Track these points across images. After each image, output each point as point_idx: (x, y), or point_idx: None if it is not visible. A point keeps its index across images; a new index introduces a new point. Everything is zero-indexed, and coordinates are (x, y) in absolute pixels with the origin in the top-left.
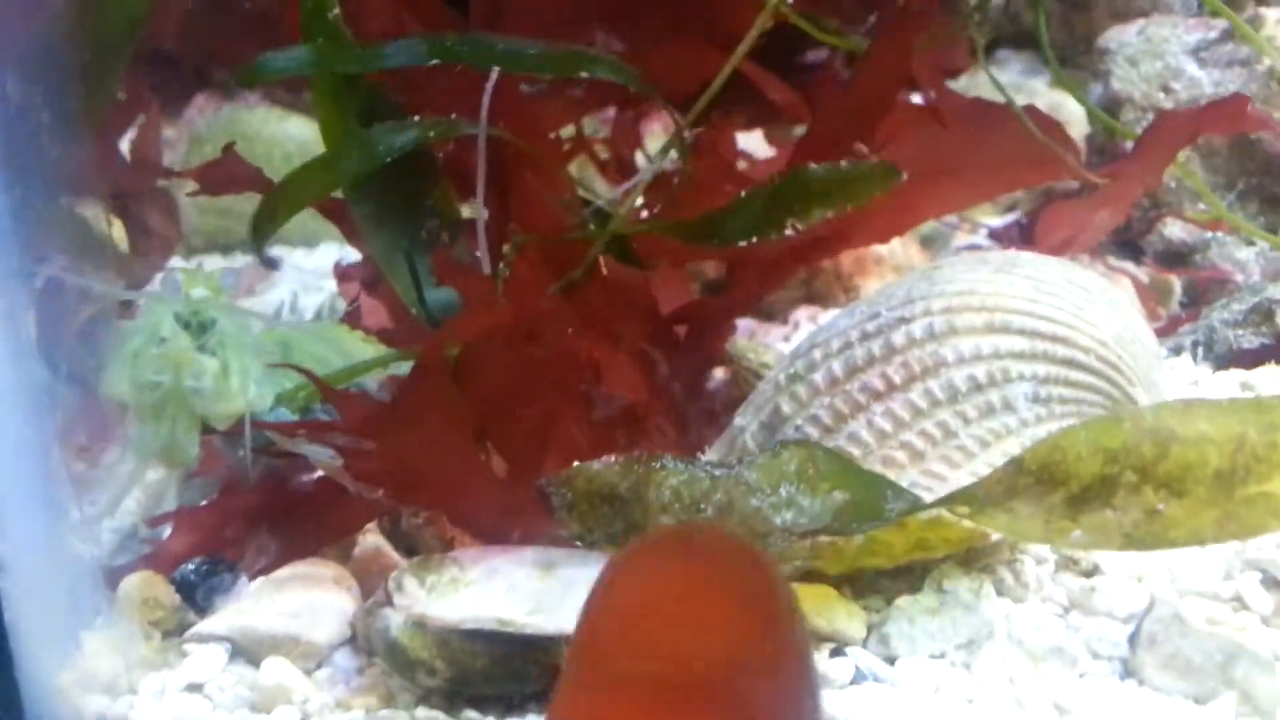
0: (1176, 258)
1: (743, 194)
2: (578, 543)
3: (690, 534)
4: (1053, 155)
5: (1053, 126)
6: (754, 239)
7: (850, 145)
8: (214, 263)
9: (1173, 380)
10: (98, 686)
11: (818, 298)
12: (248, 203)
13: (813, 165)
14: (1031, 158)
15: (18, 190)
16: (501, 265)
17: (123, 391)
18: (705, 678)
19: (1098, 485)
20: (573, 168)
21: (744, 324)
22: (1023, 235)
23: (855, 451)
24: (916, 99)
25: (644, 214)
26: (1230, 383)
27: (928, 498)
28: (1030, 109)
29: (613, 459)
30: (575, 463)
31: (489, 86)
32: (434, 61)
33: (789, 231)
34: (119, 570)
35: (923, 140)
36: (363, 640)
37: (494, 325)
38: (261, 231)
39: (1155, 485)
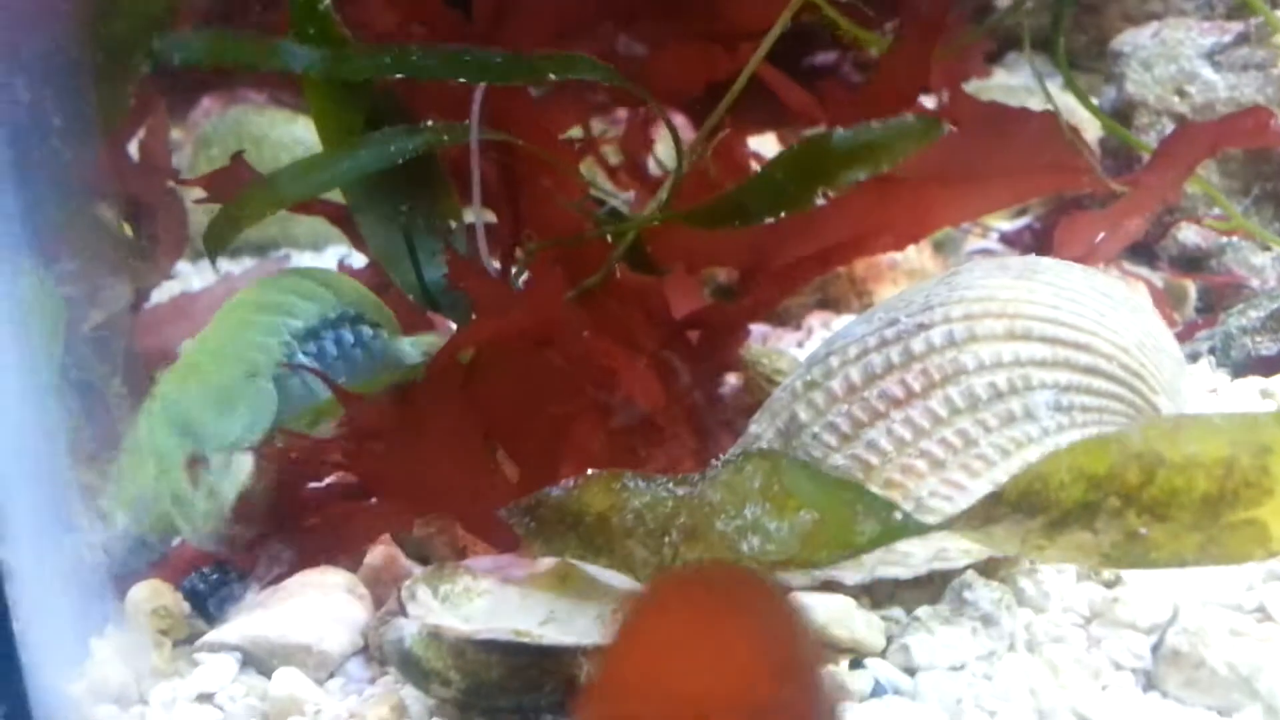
0: (1192, 263)
1: (760, 168)
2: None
3: (711, 573)
4: (1070, 161)
5: (1073, 133)
6: (781, 214)
7: None
8: (221, 265)
9: (1191, 388)
10: (108, 696)
11: (831, 303)
12: None
13: (838, 129)
14: (1050, 164)
15: (29, 192)
16: (515, 270)
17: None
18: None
19: (1079, 511)
20: (584, 172)
21: (757, 329)
22: (1035, 240)
23: (874, 460)
24: (930, 103)
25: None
26: (1249, 390)
27: (948, 508)
28: (1051, 115)
29: (571, 482)
30: (583, 473)
31: (477, 94)
32: (433, 66)
33: (820, 200)
34: (128, 579)
35: (939, 146)
36: (375, 650)
37: (508, 331)
38: (224, 233)
39: (1139, 510)
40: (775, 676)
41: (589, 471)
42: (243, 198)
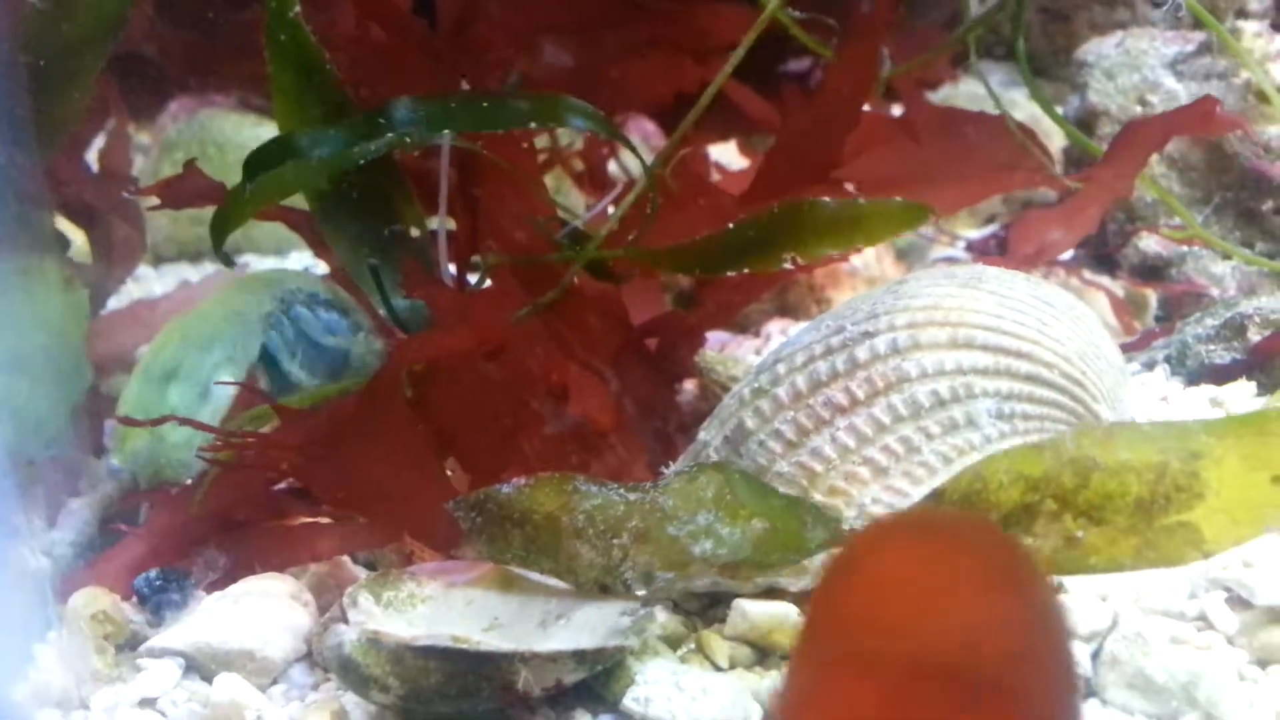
0: (1152, 272)
1: (733, 225)
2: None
3: (938, 517)
4: (1026, 162)
5: (1027, 133)
6: (745, 270)
7: (819, 156)
8: (183, 271)
9: (1143, 395)
10: (50, 700)
11: (790, 310)
12: None
13: (825, 199)
14: (1005, 165)
15: None
16: (476, 278)
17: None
18: (966, 663)
19: (1019, 513)
20: (549, 179)
21: (716, 336)
22: (1001, 248)
23: (818, 467)
24: (896, 110)
25: (618, 228)
26: (1200, 399)
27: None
28: (1002, 117)
29: (523, 481)
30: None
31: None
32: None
33: (787, 264)
34: (71, 584)
35: (894, 151)
36: (318, 656)
37: (456, 347)
38: (219, 236)
39: (1075, 513)
40: (1020, 620)
41: (522, 480)
42: (218, 214)
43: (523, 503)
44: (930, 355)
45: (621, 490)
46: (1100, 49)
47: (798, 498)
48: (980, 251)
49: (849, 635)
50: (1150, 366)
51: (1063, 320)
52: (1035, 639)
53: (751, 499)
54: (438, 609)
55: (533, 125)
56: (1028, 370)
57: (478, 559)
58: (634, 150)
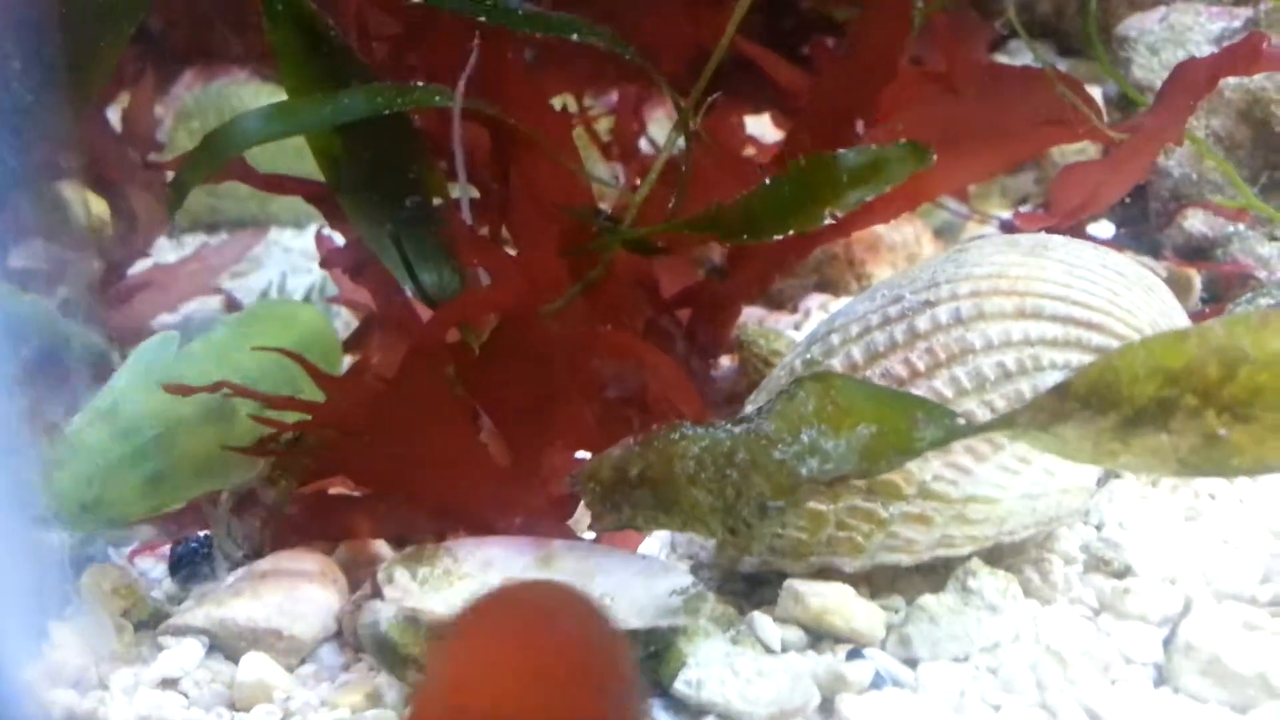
0: (1197, 252)
1: (767, 182)
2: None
3: (531, 590)
4: (1070, 116)
5: (1073, 86)
6: (790, 232)
7: (853, 115)
8: (199, 241)
9: None
10: (65, 680)
11: (829, 285)
12: (236, 182)
13: (843, 150)
14: (1049, 119)
15: None
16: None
17: None
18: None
19: (1153, 409)
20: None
21: (753, 312)
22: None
23: None
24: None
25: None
26: None
27: (953, 493)
28: (1046, 71)
29: (631, 440)
30: (583, 452)
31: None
32: None
33: (828, 219)
34: (88, 560)
35: (934, 109)
36: (349, 635)
37: (504, 302)
38: (188, 180)
39: (1219, 409)
40: (587, 685)
41: (630, 440)
42: (209, 138)
43: (636, 460)
44: (996, 325)
45: (726, 426)
46: (1143, 24)
47: (907, 394)
48: (1013, 232)
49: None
50: None
51: (1134, 290)
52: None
53: (856, 402)
54: (475, 586)
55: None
56: (1099, 342)
57: (613, 530)
58: (660, 80)
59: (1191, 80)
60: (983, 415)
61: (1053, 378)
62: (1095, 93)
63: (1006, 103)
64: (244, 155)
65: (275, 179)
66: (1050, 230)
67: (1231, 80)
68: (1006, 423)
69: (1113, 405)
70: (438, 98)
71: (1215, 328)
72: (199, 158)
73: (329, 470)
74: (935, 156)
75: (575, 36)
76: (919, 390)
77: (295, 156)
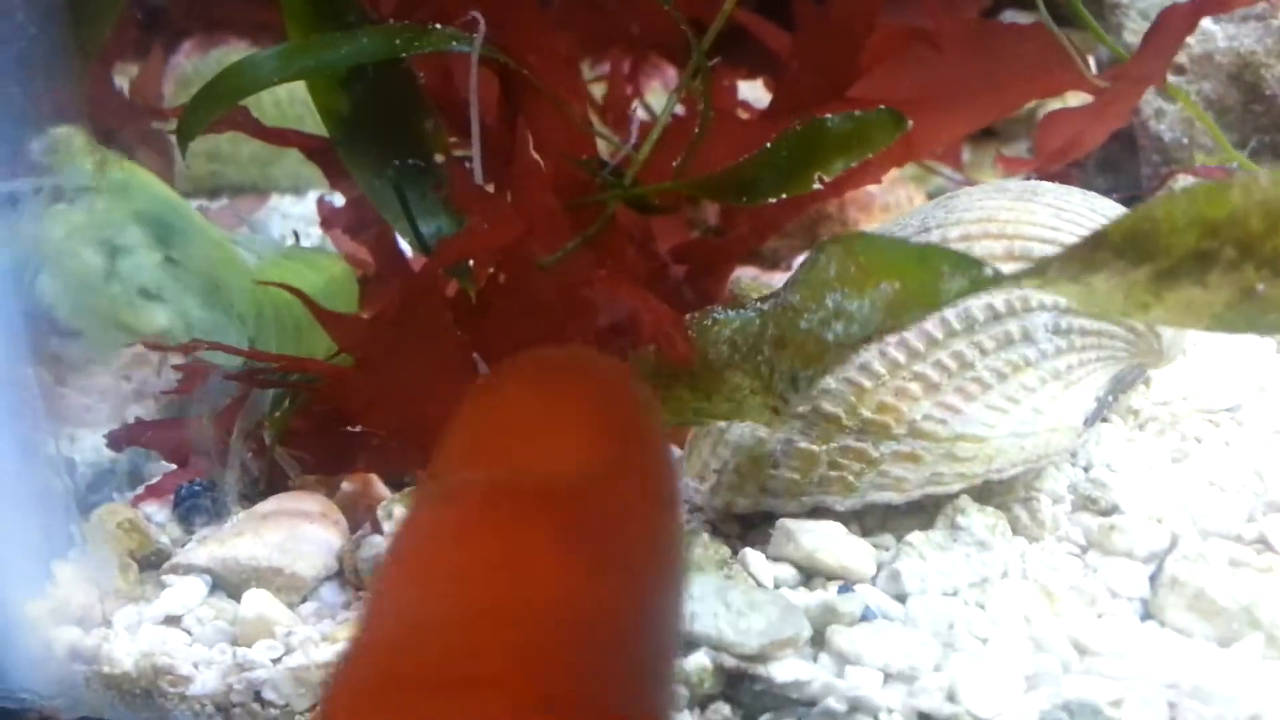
0: None
1: (768, 145)
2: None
3: (553, 355)
4: (1056, 65)
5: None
6: (784, 195)
7: (835, 72)
8: (199, 205)
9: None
10: (69, 618)
11: None
12: (237, 147)
13: (829, 115)
14: (1035, 72)
15: None
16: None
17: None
18: (547, 485)
19: (1190, 262)
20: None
21: (746, 271)
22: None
23: (867, 383)
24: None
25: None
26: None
27: (942, 431)
28: (1035, 25)
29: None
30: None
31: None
32: None
33: (816, 185)
34: (94, 502)
35: (920, 64)
36: (350, 574)
37: (501, 241)
38: (196, 120)
39: (1258, 263)
40: (609, 444)
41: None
42: (218, 78)
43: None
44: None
45: (755, 303)
46: None
47: (932, 246)
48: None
49: (451, 469)
50: None
51: None
52: (626, 462)
53: (879, 260)
54: None
55: None
56: None
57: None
58: (689, 34)
59: (1174, 24)
60: (972, 355)
61: (1041, 318)
62: (1090, 59)
63: (993, 56)
64: (249, 109)
65: (279, 132)
66: (1034, 175)
67: (1222, 44)
68: (1038, 272)
69: (1148, 256)
70: (454, 42)
71: (1260, 178)
72: (209, 97)
73: (330, 406)
74: (911, 122)
75: None
76: (909, 332)
77: (275, 109)
